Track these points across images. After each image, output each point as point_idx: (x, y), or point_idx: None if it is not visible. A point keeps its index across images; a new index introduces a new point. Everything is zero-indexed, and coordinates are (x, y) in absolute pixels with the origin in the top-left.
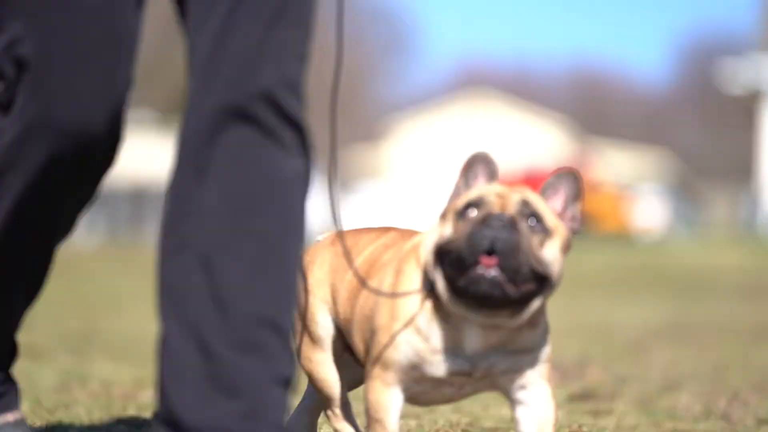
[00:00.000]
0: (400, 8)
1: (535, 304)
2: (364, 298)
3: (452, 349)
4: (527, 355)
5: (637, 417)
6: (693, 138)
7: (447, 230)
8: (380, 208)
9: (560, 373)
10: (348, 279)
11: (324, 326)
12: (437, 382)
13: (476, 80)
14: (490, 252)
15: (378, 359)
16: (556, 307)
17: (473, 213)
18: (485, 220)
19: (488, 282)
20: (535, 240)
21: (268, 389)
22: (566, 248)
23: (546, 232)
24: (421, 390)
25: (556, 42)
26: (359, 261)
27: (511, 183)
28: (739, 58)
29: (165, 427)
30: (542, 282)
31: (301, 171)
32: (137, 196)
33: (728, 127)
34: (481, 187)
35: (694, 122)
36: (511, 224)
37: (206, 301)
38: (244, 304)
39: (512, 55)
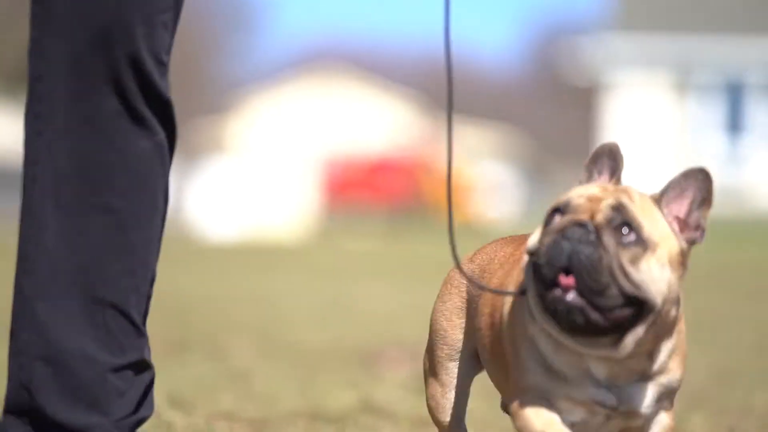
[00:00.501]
0: None
1: (638, 331)
2: (498, 319)
3: (582, 376)
4: (662, 383)
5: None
6: (541, 117)
7: (536, 238)
8: (226, 184)
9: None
10: (484, 303)
11: (451, 355)
12: (589, 408)
13: (327, 56)
14: (568, 269)
15: (516, 388)
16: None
17: (558, 220)
18: (565, 230)
19: (566, 306)
20: (625, 255)
21: (110, 377)
22: (678, 263)
23: (643, 245)
24: (580, 420)
25: (408, 18)
26: (494, 279)
27: (376, 169)
28: (579, 40)
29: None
30: (641, 305)
31: (161, 147)
32: None
33: (571, 107)
34: (578, 188)
35: (541, 101)
36: (595, 235)
37: (47, 277)
38: (86, 284)
39: (364, 32)
